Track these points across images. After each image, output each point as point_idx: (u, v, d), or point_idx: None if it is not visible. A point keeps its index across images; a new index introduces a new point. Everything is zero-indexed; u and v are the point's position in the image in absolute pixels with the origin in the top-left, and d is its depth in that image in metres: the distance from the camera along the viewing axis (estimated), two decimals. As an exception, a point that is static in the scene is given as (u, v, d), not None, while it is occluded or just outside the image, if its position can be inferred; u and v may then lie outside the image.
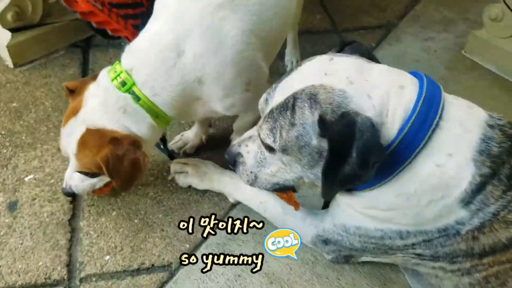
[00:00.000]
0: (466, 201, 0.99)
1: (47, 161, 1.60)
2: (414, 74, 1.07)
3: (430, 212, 1.03)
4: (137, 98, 1.22)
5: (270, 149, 1.07)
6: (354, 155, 0.91)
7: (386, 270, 1.35)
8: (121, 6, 1.83)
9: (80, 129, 1.22)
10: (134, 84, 1.21)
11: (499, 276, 1.02)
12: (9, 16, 1.83)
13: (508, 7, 1.95)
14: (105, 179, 1.33)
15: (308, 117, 0.98)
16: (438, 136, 0.99)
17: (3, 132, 1.68)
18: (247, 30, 1.25)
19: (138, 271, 1.35)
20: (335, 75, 0.99)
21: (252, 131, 1.18)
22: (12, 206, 1.48)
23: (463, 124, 1.01)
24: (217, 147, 1.63)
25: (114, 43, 2.03)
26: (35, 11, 1.89)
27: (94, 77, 1.29)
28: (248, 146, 1.16)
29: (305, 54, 2.09)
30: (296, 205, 1.25)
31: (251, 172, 1.16)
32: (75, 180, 1.33)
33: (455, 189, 0.99)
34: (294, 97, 1.00)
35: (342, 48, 1.10)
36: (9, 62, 1.93)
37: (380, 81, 0.99)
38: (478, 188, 0.98)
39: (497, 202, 0.98)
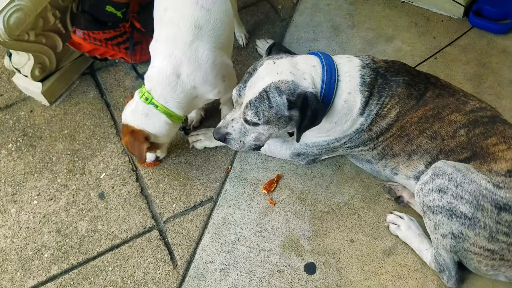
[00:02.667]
0: (361, 112, 1.83)
1: (109, 161, 2.40)
2: (315, 54, 1.86)
3: (347, 125, 1.87)
4: (155, 106, 2.01)
5: (254, 124, 1.81)
6: (310, 114, 1.70)
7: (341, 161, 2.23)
8: (113, 38, 2.56)
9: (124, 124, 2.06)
10: (153, 98, 2.00)
11: (388, 145, 1.88)
12: (36, 72, 2.53)
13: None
14: (152, 156, 2.20)
15: (279, 101, 1.74)
16: (340, 85, 1.80)
17: (69, 153, 2.46)
18: (212, 47, 2.02)
19: (194, 207, 2.21)
20: (283, 73, 1.75)
21: (231, 116, 1.88)
22: (101, 196, 2.30)
23: (350, 73, 1.81)
24: (213, 117, 2.45)
25: (111, 63, 2.76)
26: (51, 62, 2.59)
27: (133, 96, 2.08)
28: (233, 126, 1.88)
29: (249, 25, 2.84)
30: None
31: (240, 141, 1.91)
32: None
33: (354, 109, 1.82)
34: (266, 91, 1.74)
35: (270, 51, 1.89)
36: (45, 102, 2.65)
37: (304, 67, 1.77)
38: (365, 103, 1.80)
39: (376, 107, 1.81)
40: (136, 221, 2.19)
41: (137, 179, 2.33)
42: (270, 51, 1.90)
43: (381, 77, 1.82)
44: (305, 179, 2.16)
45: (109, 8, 2.45)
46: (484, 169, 1.62)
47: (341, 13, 2.83)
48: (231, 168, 2.29)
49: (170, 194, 2.25)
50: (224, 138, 1.90)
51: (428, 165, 1.79)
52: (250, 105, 1.77)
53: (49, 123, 2.57)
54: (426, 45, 2.58)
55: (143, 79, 2.08)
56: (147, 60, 2.70)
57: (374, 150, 1.93)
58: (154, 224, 2.18)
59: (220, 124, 1.93)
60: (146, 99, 2.00)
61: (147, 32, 2.70)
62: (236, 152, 2.34)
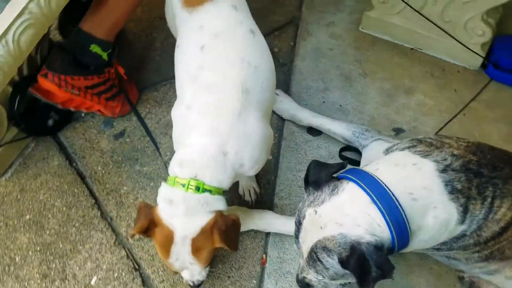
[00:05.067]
0: (461, 221, 1.47)
1: (98, 258, 1.79)
2: (353, 180, 1.45)
3: (444, 237, 1.52)
4: (210, 192, 1.50)
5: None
6: (374, 268, 1.30)
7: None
8: (95, 86, 1.97)
9: (186, 246, 1.48)
10: (204, 183, 1.49)
11: (500, 249, 1.58)
12: (-19, 139, 1.84)
13: (392, -7, 2.44)
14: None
15: (331, 262, 1.37)
16: (418, 206, 1.41)
17: (38, 249, 1.80)
18: (260, 116, 1.57)
19: None
20: (327, 225, 1.37)
21: (302, 261, 1.55)
22: (96, 310, 1.69)
23: (426, 187, 1.44)
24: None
25: (77, 117, 2.16)
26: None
27: (147, 205, 1.52)
28: (307, 273, 1.54)
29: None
30: None
31: (319, 283, 1.54)
32: (196, 274, 1.60)
33: (451, 222, 1.46)
34: (314, 251, 1.39)
35: (307, 175, 1.51)
36: (-10, 176, 1.95)
37: (353, 211, 1.39)
38: (464, 211, 1.46)
39: (482, 211, 1.48)
40: None
41: (143, 283, 1.76)
42: (307, 176, 1.51)
43: (475, 175, 1.48)
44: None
45: (94, 48, 1.88)
46: None
47: (348, 59, 2.54)
48: (266, 258, 1.83)
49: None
50: (307, 285, 1.59)
51: (539, 265, 1.53)
52: (308, 265, 1.47)
53: (1, 205, 1.88)
54: (449, 99, 2.38)
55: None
56: (127, 113, 2.16)
57: (476, 253, 1.61)
58: None
59: (298, 270, 1.64)
60: (197, 188, 1.48)
61: (129, 79, 2.15)
62: (268, 234, 1.89)
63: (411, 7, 2.44)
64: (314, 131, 2.20)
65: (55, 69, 1.84)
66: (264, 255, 1.85)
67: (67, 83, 1.87)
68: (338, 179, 1.49)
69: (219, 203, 1.53)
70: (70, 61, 1.85)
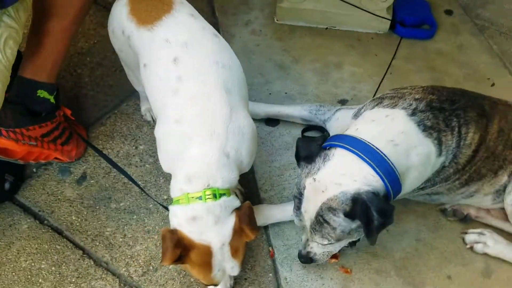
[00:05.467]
0: (439, 153, 1.66)
1: (110, 305, 1.70)
2: (339, 144, 1.60)
3: (429, 171, 1.69)
4: (225, 195, 1.52)
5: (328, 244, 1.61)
6: (376, 215, 1.44)
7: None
8: (50, 132, 1.88)
9: (226, 253, 1.50)
10: (217, 189, 1.51)
11: (476, 170, 1.76)
12: None
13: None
14: None
15: (338, 220, 1.51)
16: (400, 149, 1.58)
17: (41, 317, 1.66)
18: (246, 112, 1.63)
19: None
20: (328, 188, 1.51)
21: (304, 237, 1.69)
22: None
23: (403, 132, 1.62)
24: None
25: (29, 174, 2.02)
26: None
27: (172, 231, 1.49)
28: (310, 245, 1.68)
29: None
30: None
31: (324, 255, 1.69)
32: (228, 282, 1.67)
33: (431, 156, 1.65)
34: (320, 215, 1.52)
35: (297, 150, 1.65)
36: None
37: (347, 169, 1.54)
38: (439, 144, 1.65)
39: (454, 140, 1.68)
40: None
41: (166, 313, 1.71)
42: (298, 153, 1.65)
43: (439, 111, 1.68)
44: (361, 231, 1.91)
45: (41, 93, 1.79)
46: None
47: (276, 50, 2.66)
48: (273, 250, 1.88)
49: None
50: (310, 260, 1.72)
51: (510, 174, 1.76)
52: (314, 231, 1.60)
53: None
54: (373, 63, 2.61)
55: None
56: (82, 154, 2.08)
57: (457, 181, 1.80)
58: None
59: (300, 246, 1.75)
60: (214, 195, 1.49)
61: (75, 120, 2.07)
62: (266, 228, 1.94)
63: (318, -11, 2.63)
64: (271, 122, 2.29)
65: (9, 124, 1.70)
66: (270, 248, 1.89)
67: (23, 135, 1.74)
68: (326, 148, 1.62)
69: (236, 202, 1.56)
70: (21, 113, 1.73)
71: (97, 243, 1.87)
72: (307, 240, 1.68)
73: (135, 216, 1.96)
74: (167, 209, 1.75)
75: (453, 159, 1.71)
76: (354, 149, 1.58)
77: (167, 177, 2.07)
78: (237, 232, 1.51)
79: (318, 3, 2.71)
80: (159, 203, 1.89)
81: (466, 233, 1.90)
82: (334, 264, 1.84)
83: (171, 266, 1.82)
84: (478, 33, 2.79)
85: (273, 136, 2.24)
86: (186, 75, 1.56)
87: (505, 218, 1.86)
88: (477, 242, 1.86)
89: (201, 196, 1.48)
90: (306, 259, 1.71)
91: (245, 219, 1.52)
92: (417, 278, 1.81)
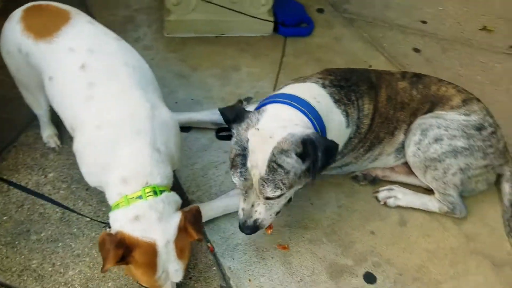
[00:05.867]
0: (348, 125, 1.86)
1: (53, 337, 1.59)
2: (270, 101, 1.75)
3: (342, 143, 1.86)
4: (165, 191, 1.52)
5: (278, 197, 1.62)
6: (322, 154, 1.55)
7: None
8: None
9: (171, 252, 1.45)
10: (156, 186, 1.50)
11: (376, 136, 1.98)
12: None
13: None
14: None
15: (291, 161, 1.58)
16: (321, 111, 1.75)
17: None
18: (164, 106, 1.68)
19: None
20: (275, 134, 1.59)
21: (247, 204, 1.67)
22: None
23: (320, 96, 1.81)
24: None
25: None
26: None
27: (110, 234, 1.44)
28: (257, 210, 1.67)
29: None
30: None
31: (270, 217, 1.70)
32: None
33: (343, 125, 1.84)
34: (273, 160, 1.56)
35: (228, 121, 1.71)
36: None
37: (287, 115, 1.67)
38: (347, 115, 1.85)
39: (355, 113, 1.88)
40: None
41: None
42: (227, 118, 1.71)
43: (340, 88, 1.89)
44: (289, 210, 2.03)
45: None
46: (448, 109, 1.98)
47: (172, 62, 2.73)
48: (211, 245, 1.91)
49: None
50: (256, 228, 1.71)
51: (405, 131, 2.01)
52: (266, 182, 1.60)
53: None
54: (267, 62, 2.80)
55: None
56: None
57: (362, 149, 2.00)
58: None
59: (242, 218, 1.70)
60: (154, 192, 1.47)
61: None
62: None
63: (202, -1, 2.76)
64: (184, 129, 2.32)
65: None
66: (209, 244, 1.91)
67: None
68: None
69: (177, 197, 1.56)
70: None
71: (25, 278, 1.74)
72: (252, 206, 1.67)
73: (60, 244, 1.86)
74: (103, 222, 1.70)
75: (356, 129, 1.92)
76: (286, 100, 1.71)
77: (86, 199, 2.01)
78: (182, 230, 1.48)
79: (205, 13, 2.83)
80: (94, 219, 1.84)
81: (377, 192, 2.12)
82: (272, 244, 1.92)
83: (109, 284, 1.76)
84: (349, 25, 3.14)
85: (189, 141, 2.28)
86: (98, 79, 1.56)
87: (408, 172, 2.11)
88: (388, 198, 2.08)
89: (141, 195, 1.46)
90: (252, 228, 1.70)
91: (191, 219, 1.50)
92: (346, 239, 1.97)
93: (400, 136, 2.03)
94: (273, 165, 1.58)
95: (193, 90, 2.56)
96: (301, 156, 1.59)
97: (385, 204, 2.09)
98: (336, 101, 1.84)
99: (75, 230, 1.91)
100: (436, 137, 1.89)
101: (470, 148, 1.90)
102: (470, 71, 2.84)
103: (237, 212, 1.78)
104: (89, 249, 1.86)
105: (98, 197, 2.00)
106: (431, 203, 2.05)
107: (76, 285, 1.75)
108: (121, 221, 1.46)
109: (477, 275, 1.90)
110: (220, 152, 2.25)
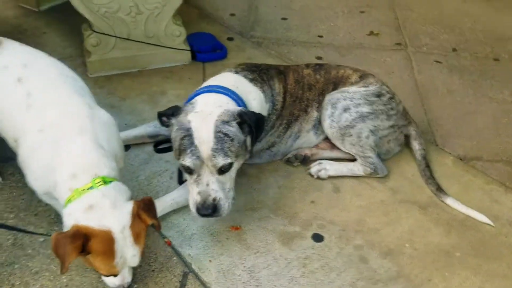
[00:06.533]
0: (266, 100, 2.13)
1: None
2: (199, 92, 2.02)
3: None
4: (116, 181, 1.62)
5: (229, 166, 1.80)
6: (255, 125, 1.83)
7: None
8: None
9: (128, 237, 1.54)
10: (105, 176, 1.60)
11: (291, 113, 2.25)
12: None
13: (101, 32, 2.90)
14: None
15: (233, 129, 1.81)
16: (241, 93, 2.03)
17: None
18: (99, 107, 1.83)
19: (175, 296, 1.82)
20: (213, 111, 1.83)
21: (201, 186, 1.80)
22: None
23: (237, 81, 2.08)
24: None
25: None
26: None
27: (61, 232, 1.50)
28: (213, 188, 1.80)
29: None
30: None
31: (226, 198, 1.83)
32: (127, 276, 1.69)
33: (263, 101, 2.11)
34: (218, 131, 1.78)
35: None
36: None
37: (217, 99, 1.92)
38: (264, 92, 2.11)
39: (269, 91, 2.15)
40: None
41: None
42: (165, 112, 1.93)
43: (252, 71, 2.19)
44: (237, 197, 2.17)
45: None
46: (349, 85, 2.31)
47: (102, 96, 2.83)
48: (168, 239, 2.01)
49: None
50: (215, 207, 1.82)
51: (317, 109, 2.30)
52: (216, 152, 1.79)
53: None
54: (191, 84, 2.98)
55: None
56: None
57: (281, 126, 2.25)
58: None
59: (199, 200, 1.82)
60: (104, 181, 1.57)
61: None
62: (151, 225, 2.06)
63: (119, 37, 2.96)
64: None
65: None
66: (165, 239, 2.00)
67: None
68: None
69: (127, 188, 1.66)
70: None
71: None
72: (207, 185, 1.80)
73: (16, 266, 1.86)
74: (48, 235, 1.74)
75: (273, 106, 2.19)
76: (210, 89, 1.97)
77: (36, 223, 2.03)
78: (136, 217, 1.56)
79: (125, 50, 3.02)
80: (49, 235, 1.86)
81: (309, 168, 2.35)
82: (225, 228, 2.06)
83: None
84: (258, 47, 3.48)
85: (130, 158, 2.39)
86: (35, 90, 1.68)
87: (331, 146, 2.38)
88: (319, 171, 2.32)
89: (92, 186, 1.55)
90: (213, 207, 1.79)
91: (144, 207, 1.59)
92: (290, 211, 2.16)
93: (313, 113, 2.32)
94: (219, 135, 1.78)
95: (125, 116, 2.69)
96: (240, 126, 1.82)
97: (318, 177, 2.32)
98: (251, 80, 2.12)
99: (30, 251, 1.92)
100: (345, 107, 2.19)
101: (374, 112, 2.22)
102: (367, 67, 3.25)
103: (186, 206, 1.96)
104: (47, 264, 1.87)
105: (48, 219, 2.04)
106: (356, 167, 2.32)
107: (39, 299, 1.75)
108: (74, 214, 1.51)
109: (408, 218, 2.16)
110: (162, 162, 2.38)
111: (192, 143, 1.79)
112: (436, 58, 3.39)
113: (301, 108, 2.30)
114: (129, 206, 1.57)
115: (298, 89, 2.29)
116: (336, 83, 2.34)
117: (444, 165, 2.44)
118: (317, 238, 2.04)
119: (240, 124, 1.84)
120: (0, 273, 1.83)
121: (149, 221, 1.59)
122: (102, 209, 1.53)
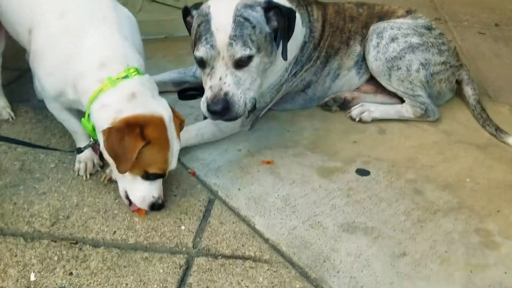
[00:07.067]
0: (302, 23, 1.91)
1: None
2: None
3: (300, 39, 1.93)
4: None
5: (248, 59, 1.56)
6: (286, 19, 1.62)
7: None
8: None
9: (172, 127, 1.44)
10: (137, 68, 1.47)
11: (330, 45, 2.03)
12: None
13: None
14: None
15: (256, 15, 1.60)
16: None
17: None
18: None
19: (204, 217, 1.57)
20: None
21: (215, 79, 1.56)
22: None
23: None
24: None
25: None
26: None
27: (111, 127, 1.35)
28: (226, 82, 1.56)
29: None
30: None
31: (241, 96, 1.57)
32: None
33: (299, 23, 1.87)
34: (238, 15, 1.56)
35: None
36: None
37: None
38: (300, 14, 1.89)
39: (307, 16, 1.95)
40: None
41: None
42: None
43: None
44: (266, 137, 1.96)
45: None
46: (395, 18, 2.09)
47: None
48: (192, 170, 1.78)
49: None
50: (227, 103, 1.57)
51: (361, 43, 2.08)
52: (234, 40, 1.56)
53: None
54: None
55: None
56: None
57: (318, 60, 2.02)
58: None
59: (210, 95, 1.58)
60: (137, 72, 1.44)
61: None
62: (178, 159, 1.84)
63: (147, -1, 2.86)
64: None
65: None
66: (189, 170, 1.77)
67: None
68: None
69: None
70: None
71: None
72: (220, 79, 1.56)
73: (21, 187, 1.66)
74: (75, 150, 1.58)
75: (310, 33, 1.97)
76: None
77: (47, 152, 1.83)
78: (173, 112, 1.45)
79: (151, 13, 2.91)
80: (64, 150, 1.74)
81: (350, 111, 2.11)
82: (256, 163, 1.81)
83: (85, 210, 1.56)
84: None
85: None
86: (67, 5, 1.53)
87: (375, 89, 2.14)
88: (362, 112, 2.07)
89: (127, 75, 1.39)
90: (223, 103, 1.55)
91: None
92: (330, 150, 1.90)
93: (356, 48, 2.09)
94: (240, 19, 1.56)
95: (149, 70, 2.52)
96: (267, 13, 1.60)
97: (360, 120, 2.07)
98: (290, 2, 1.90)
99: (38, 175, 1.72)
100: (392, 37, 1.97)
101: (424, 43, 1.99)
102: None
103: (213, 142, 1.81)
104: (56, 187, 1.66)
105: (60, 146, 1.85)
106: (404, 109, 2.06)
107: (44, 216, 1.54)
108: (116, 104, 1.36)
109: (467, 156, 1.88)
110: (186, 108, 2.17)
111: (208, 29, 1.56)
112: (479, 30, 3.17)
113: (342, 40, 2.08)
114: (163, 100, 1.46)
115: (339, 20, 2.07)
116: (381, 17, 2.12)
117: (500, 113, 2.16)
118: (362, 172, 1.78)
119: (266, 12, 1.60)
120: (2, 193, 1.62)
121: (182, 117, 1.49)
122: (145, 97, 1.40)
